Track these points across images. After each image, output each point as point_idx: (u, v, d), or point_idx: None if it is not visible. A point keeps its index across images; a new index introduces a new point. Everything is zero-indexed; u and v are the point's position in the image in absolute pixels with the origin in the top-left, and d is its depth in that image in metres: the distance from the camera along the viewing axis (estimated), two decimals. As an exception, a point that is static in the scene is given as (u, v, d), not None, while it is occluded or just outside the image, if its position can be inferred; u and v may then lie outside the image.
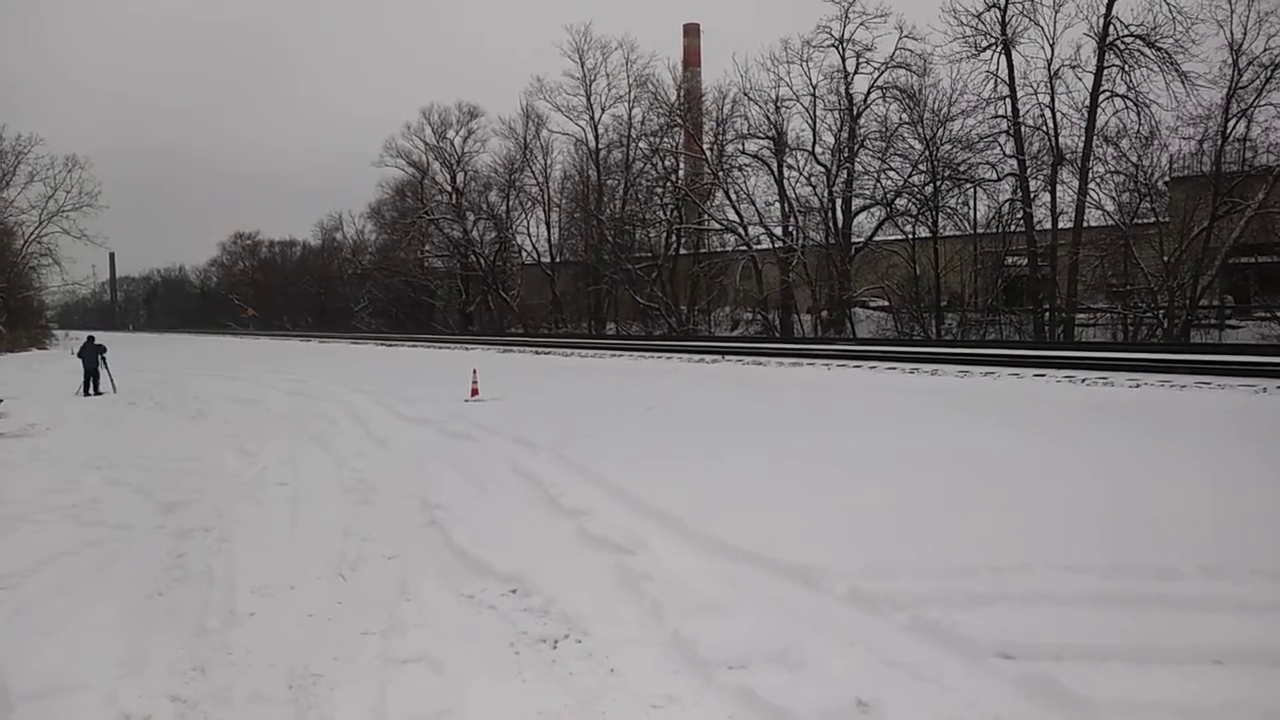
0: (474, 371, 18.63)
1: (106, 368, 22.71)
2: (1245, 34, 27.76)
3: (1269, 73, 27.54)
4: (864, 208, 40.16)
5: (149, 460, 11.73)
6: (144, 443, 13.44)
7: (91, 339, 23.42)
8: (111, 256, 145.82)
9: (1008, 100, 33.21)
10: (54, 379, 26.60)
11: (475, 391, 17.39)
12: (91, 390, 22.03)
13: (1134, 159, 31.06)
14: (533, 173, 59.66)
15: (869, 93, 38.63)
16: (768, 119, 41.26)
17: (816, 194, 40.93)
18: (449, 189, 64.77)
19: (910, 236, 38.18)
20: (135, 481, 10.23)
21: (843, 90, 39.03)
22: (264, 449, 12.34)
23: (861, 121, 39.10)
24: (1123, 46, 30.28)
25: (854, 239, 40.37)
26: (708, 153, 45.30)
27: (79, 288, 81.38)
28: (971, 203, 37.51)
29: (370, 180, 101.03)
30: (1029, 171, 33.54)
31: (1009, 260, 36.30)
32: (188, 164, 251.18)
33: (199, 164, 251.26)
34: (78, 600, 6.08)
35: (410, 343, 49.42)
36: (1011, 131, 33.42)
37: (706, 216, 46.27)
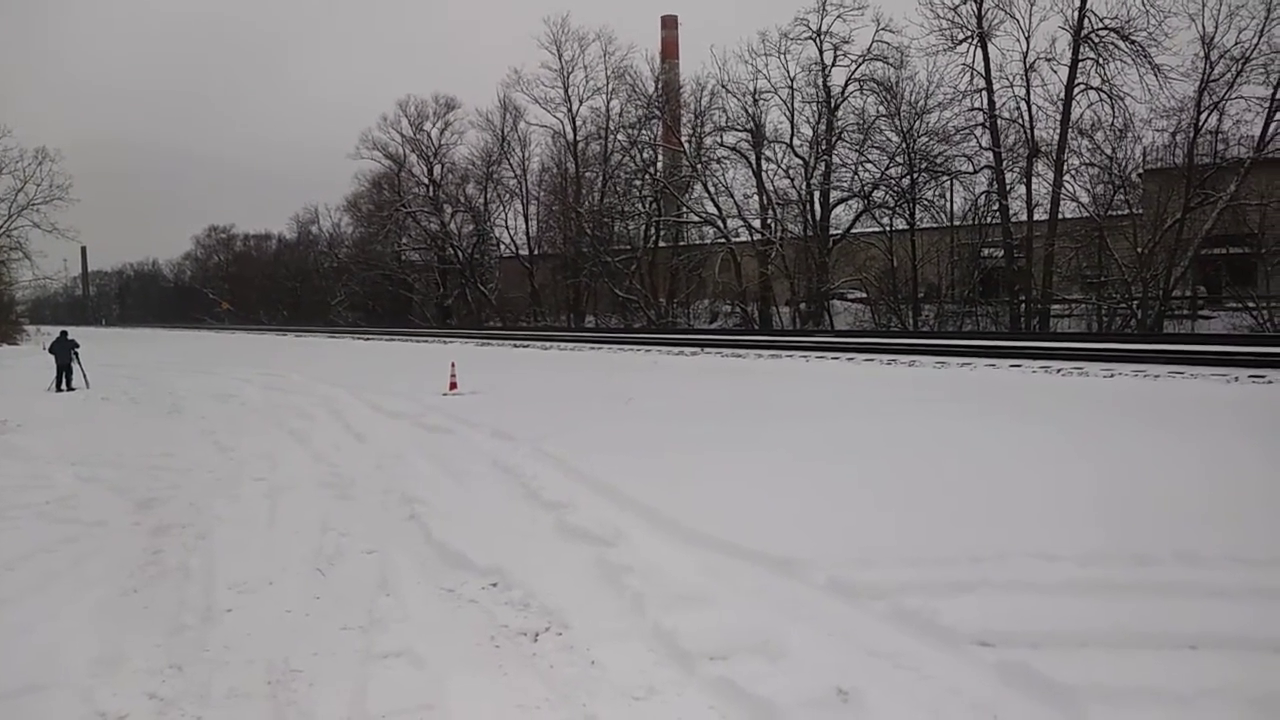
0: (452, 365, 18.56)
1: (79, 363, 22.44)
2: (1217, 27, 28.14)
3: (1240, 66, 27.88)
4: (842, 200, 40.36)
5: (124, 456, 11.59)
6: (118, 439, 13.27)
7: (64, 334, 23.12)
8: (83, 250, 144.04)
9: (984, 93, 33.45)
10: (26, 375, 26.24)
11: (454, 385, 17.31)
12: (64, 386, 21.76)
13: (1108, 151, 31.40)
14: (510, 165, 59.53)
15: (846, 85, 38.84)
16: (746, 111, 41.41)
17: (795, 186, 41.07)
18: (426, 181, 64.39)
19: (888, 228, 38.37)
20: (110, 478, 10.11)
21: (820, 83, 39.17)
22: (240, 444, 12.22)
23: (839, 114, 39.27)
24: (1097, 40, 30.58)
25: (832, 231, 40.54)
26: (686, 145, 45.29)
27: (50, 282, 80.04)
28: (948, 195, 37.85)
29: (346, 172, 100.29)
30: (1005, 164, 33.82)
31: (985, 252, 36.57)
32: (160, 156, 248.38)
33: (171, 156, 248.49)
34: (52, 598, 6.00)
35: (387, 336, 49.16)
36: (987, 124, 33.64)
37: (685, 209, 46.28)
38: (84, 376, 22.42)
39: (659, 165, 48.84)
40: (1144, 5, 29.13)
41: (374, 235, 70.04)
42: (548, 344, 34.17)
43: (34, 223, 57.00)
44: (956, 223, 37.51)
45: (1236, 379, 14.32)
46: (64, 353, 22.05)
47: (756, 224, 42.19)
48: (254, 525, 7.84)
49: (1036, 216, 33.39)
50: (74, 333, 25.40)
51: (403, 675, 4.63)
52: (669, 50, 60.58)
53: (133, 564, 6.76)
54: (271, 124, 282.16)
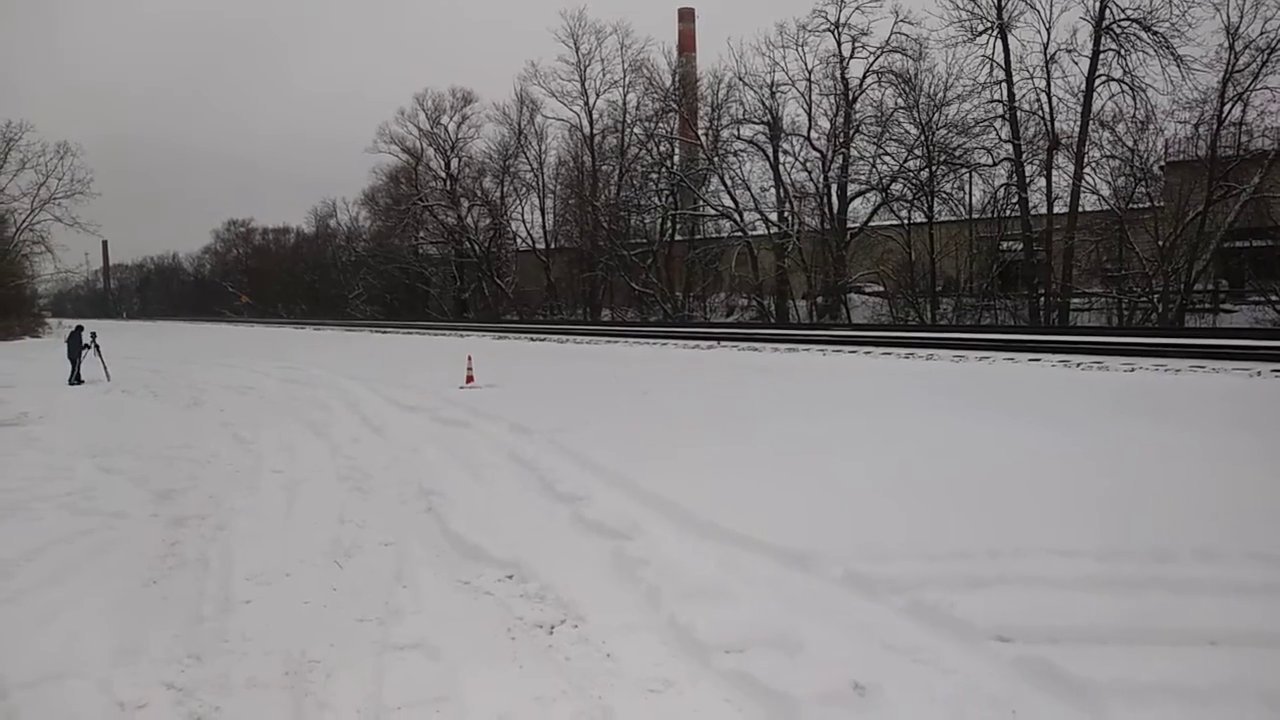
0: (469, 358, 18.59)
1: (99, 355, 22.60)
2: (1242, 17, 27.78)
3: (1265, 56, 27.53)
4: (859, 193, 40.15)
5: (144, 448, 11.69)
6: (138, 431, 13.39)
7: (79, 328, 23.34)
8: (104, 244, 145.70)
9: (1003, 85, 33.18)
10: (47, 367, 26.42)
11: (470, 378, 17.35)
12: (75, 379, 21.95)
13: (1129, 143, 31.09)
14: (527, 159, 59.53)
15: (864, 77, 38.62)
16: (763, 104, 41.22)
17: (812, 179, 40.91)
18: (443, 175, 64.49)
19: (906, 221, 38.14)
20: (130, 470, 10.19)
21: (838, 75, 38.98)
22: (259, 437, 12.30)
23: (857, 106, 39.06)
24: (1119, 30, 30.24)
25: (849, 224, 40.34)
26: (703, 138, 45.20)
27: (72, 275, 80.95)
28: (967, 187, 37.50)
29: (364, 166, 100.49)
30: (1024, 156, 33.52)
31: (1004, 245, 36.27)
32: (180, 151, 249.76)
33: (192, 151, 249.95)
34: (72, 589, 6.06)
35: (405, 330, 49.33)
36: (1007, 116, 33.38)
37: (702, 202, 46.15)
38: (105, 369, 22.59)
39: (675, 158, 48.71)
40: (1167, -5, 28.78)
41: (391, 229, 70.29)
42: (564, 337, 34.19)
43: (56, 217, 57.74)
44: (975, 216, 37.24)
45: (1259, 373, 14.16)
46: (74, 346, 22.29)
47: (773, 217, 42.03)
48: (272, 517, 7.89)
49: (1056, 209, 33.10)
50: (95, 326, 25.58)
51: (419, 666, 4.65)
52: (686, 43, 60.42)
53: (152, 555, 6.82)
54: (290, 120, 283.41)
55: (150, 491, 9.00)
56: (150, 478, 9.67)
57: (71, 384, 21.61)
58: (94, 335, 22.94)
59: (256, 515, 7.94)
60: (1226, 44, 28.09)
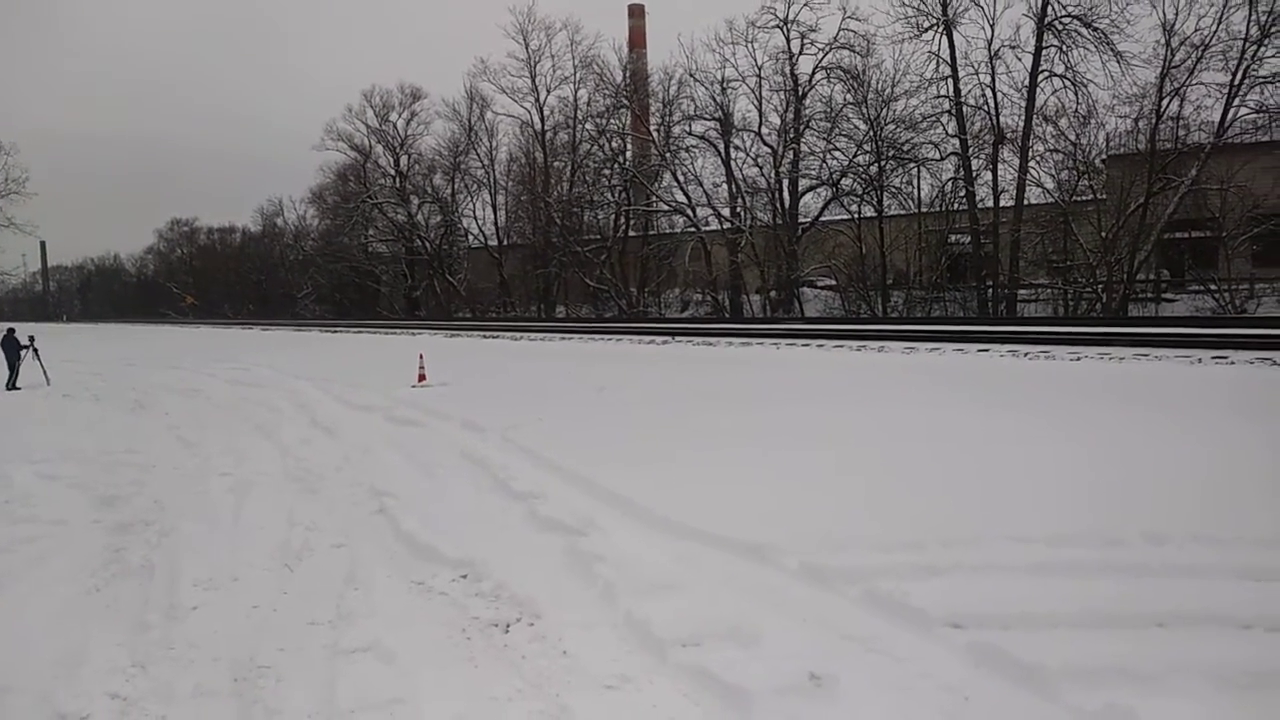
0: (420, 357, 18.40)
1: (38, 359, 22.03)
2: (1177, 14, 28.39)
3: (1200, 52, 28.16)
4: (810, 188, 40.44)
5: (85, 454, 11.39)
6: (80, 436, 13.04)
7: (11, 331, 22.74)
8: (42, 245, 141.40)
9: (949, 80, 33.61)
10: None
11: (422, 377, 17.18)
12: (12, 384, 21.38)
13: (1072, 137, 31.66)
14: (478, 155, 59.00)
15: (814, 73, 38.83)
16: (714, 100, 41.34)
17: (763, 174, 41.08)
18: (392, 172, 63.71)
19: (856, 216, 38.49)
20: (70, 475, 9.92)
21: (788, 71, 39.15)
22: (205, 440, 12.05)
23: (807, 102, 39.25)
24: (1061, 27, 30.81)
25: (801, 219, 40.62)
26: (655, 134, 45.15)
27: (9, 278, 78.71)
28: (915, 182, 37.94)
29: (310, 163, 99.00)
30: (971, 150, 34.01)
31: (952, 238, 36.80)
32: (120, 146, 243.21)
33: (132, 148, 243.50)
34: (11, 599, 5.89)
35: (355, 329, 48.69)
36: (953, 111, 33.82)
37: (654, 198, 46.15)
38: (44, 373, 22.02)
39: (628, 154, 48.60)
40: (1107, -8, 29.38)
41: (340, 227, 69.25)
42: (518, 335, 33.99)
43: (-10, 218, 55.81)
44: (924, 209, 37.72)
45: (1200, 360, 14.50)
46: (10, 350, 21.71)
47: (726, 212, 42.16)
48: (219, 521, 7.72)
49: (1002, 203, 33.68)
50: (34, 329, 24.87)
51: (372, 670, 4.57)
52: (636, 39, 60.39)
53: (95, 562, 6.64)
54: (232, 112, 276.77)
55: (92, 498, 8.77)
56: (92, 483, 9.42)
57: (8, 389, 21.05)
58: (32, 338, 22.35)
59: (203, 519, 7.76)
60: (1163, 40, 28.76)
